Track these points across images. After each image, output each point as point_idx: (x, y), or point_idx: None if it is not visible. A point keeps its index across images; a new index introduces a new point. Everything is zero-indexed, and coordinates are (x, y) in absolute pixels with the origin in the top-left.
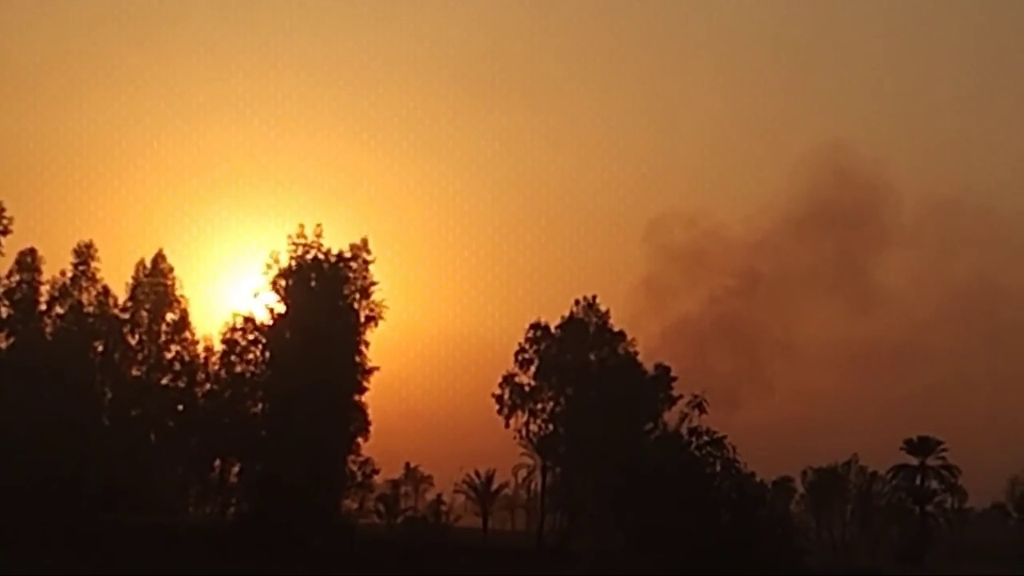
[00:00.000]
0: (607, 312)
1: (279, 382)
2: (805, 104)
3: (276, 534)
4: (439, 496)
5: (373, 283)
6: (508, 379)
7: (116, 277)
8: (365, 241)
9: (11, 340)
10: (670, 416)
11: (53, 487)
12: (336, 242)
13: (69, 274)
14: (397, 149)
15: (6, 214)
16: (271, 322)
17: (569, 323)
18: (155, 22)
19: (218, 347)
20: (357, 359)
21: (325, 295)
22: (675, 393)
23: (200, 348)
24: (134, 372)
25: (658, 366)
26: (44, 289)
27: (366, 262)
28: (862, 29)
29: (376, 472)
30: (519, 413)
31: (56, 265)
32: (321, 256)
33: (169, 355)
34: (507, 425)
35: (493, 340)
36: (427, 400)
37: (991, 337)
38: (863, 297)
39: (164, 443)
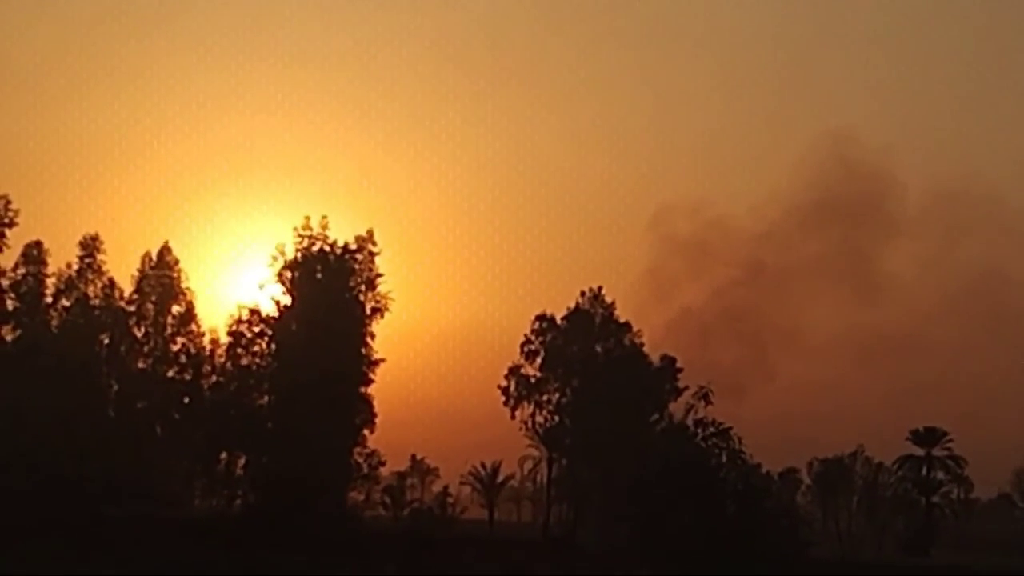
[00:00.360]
0: (613, 303)
1: (285, 374)
2: (809, 94)
3: (282, 526)
4: (445, 488)
5: (379, 275)
6: (514, 371)
7: (122, 269)
8: (371, 233)
9: (17, 333)
10: (676, 407)
11: (58, 480)
12: (342, 234)
13: (75, 267)
14: (402, 141)
15: (12, 207)
16: (277, 314)
17: (575, 314)
18: (159, 16)
19: (224, 339)
20: (363, 351)
21: (331, 287)
22: (681, 384)
23: (206, 340)
24: (140, 364)
25: (664, 357)
26: (50, 282)
27: (372, 254)
28: (867, 19)
29: (382, 464)
30: (525, 405)
31: (62, 258)
32: (327, 248)
33: (175, 347)
34: (513, 417)
35: (499, 332)
36: (433, 392)
37: (997, 327)
38: (869, 287)
39: (170, 435)
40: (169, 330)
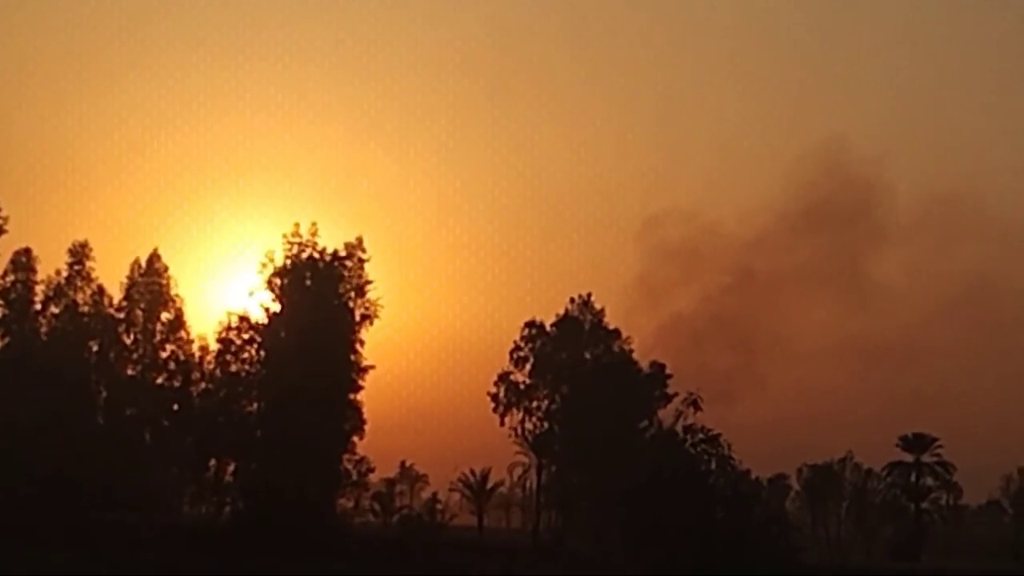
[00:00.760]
0: (602, 310)
1: (274, 381)
2: (801, 101)
3: (271, 533)
4: (434, 494)
5: (368, 282)
6: (503, 377)
7: (111, 276)
8: (360, 240)
9: (6, 340)
10: (665, 414)
11: (48, 486)
12: (331, 241)
13: (64, 274)
14: (392, 148)
15: (1, 214)
16: (266, 321)
17: (564, 321)
18: (147, 21)
19: (213, 346)
20: (352, 358)
21: (320, 294)
22: (670, 391)
23: (195, 347)
24: (129, 371)
25: (653, 364)
26: (39, 289)
27: (361, 261)
28: (859, 26)
29: (371, 471)
30: (514, 411)
31: (51, 265)
32: (316, 255)
33: (164, 354)
34: (502, 423)
35: (488, 338)
36: (422, 398)
37: (987, 334)
38: (859, 294)
39: (159, 442)
40: (158, 337)
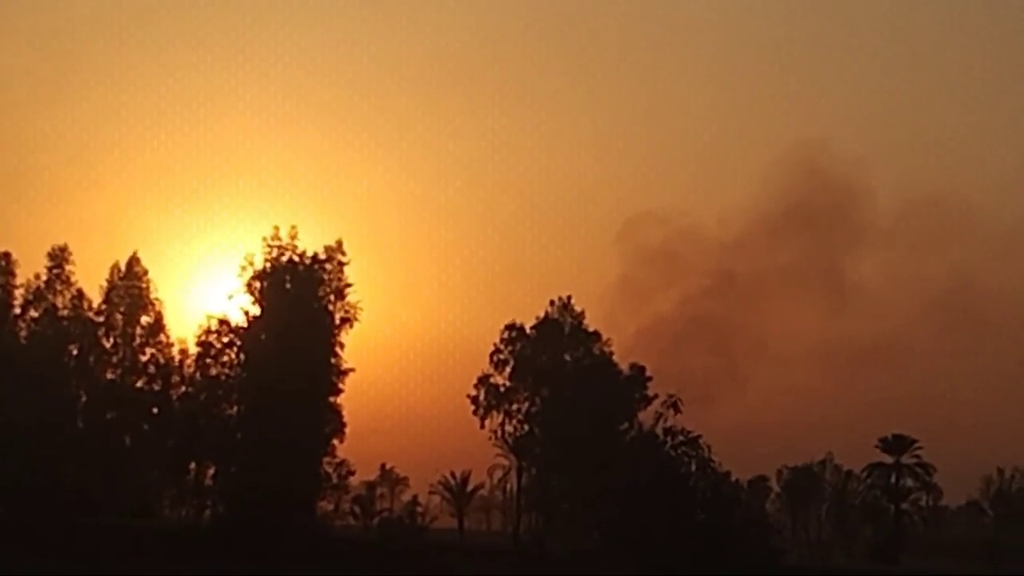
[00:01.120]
0: (582, 312)
1: (254, 384)
2: (781, 104)
3: (252, 536)
4: (415, 497)
5: (348, 285)
6: (483, 380)
7: (91, 280)
8: (340, 243)
9: None
10: (645, 416)
11: (28, 490)
12: (311, 244)
13: (43, 277)
14: (371, 151)
15: None
16: (246, 324)
17: (544, 324)
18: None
19: (193, 350)
20: (332, 361)
21: (300, 297)
22: (650, 393)
23: (175, 351)
24: (109, 375)
25: (633, 366)
26: (18, 292)
27: (341, 264)
28: (838, 28)
29: (352, 474)
30: (494, 414)
31: (30, 268)
32: (296, 258)
33: (144, 358)
34: (482, 426)
35: (468, 341)
36: (402, 401)
37: (966, 336)
38: (839, 296)
39: (139, 446)
40: (138, 341)
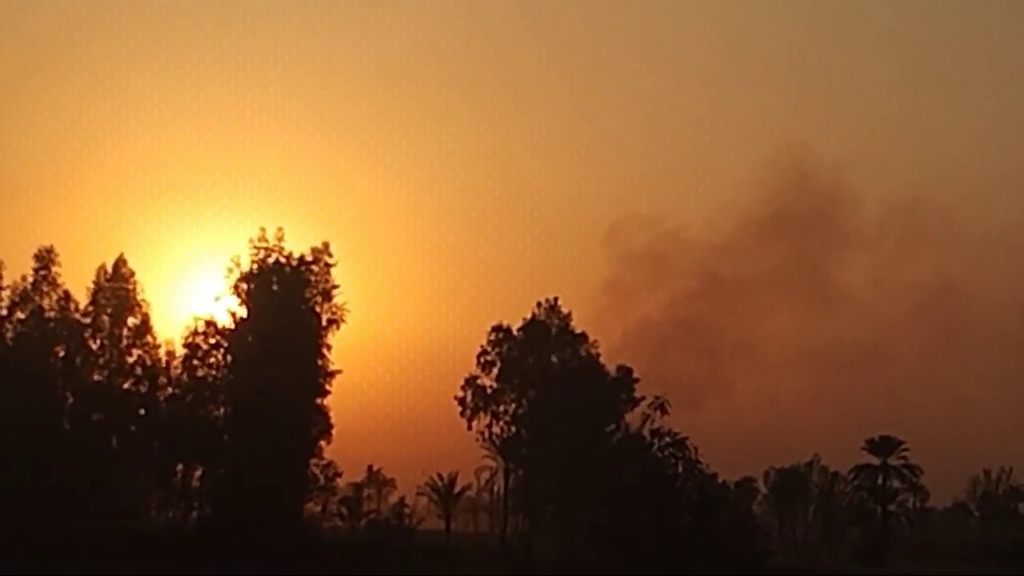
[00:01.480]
0: (569, 314)
1: (241, 386)
2: (766, 108)
3: (239, 538)
4: (402, 499)
5: (335, 286)
6: (470, 381)
7: (77, 282)
8: (327, 244)
9: None
10: (632, 418)
11: (15, 492)
12: (297, 245)
13: (30, 279)
14: (359, 153)
15: None
16: (233, 326)
17: (531, 325)
18: (112, 26)
19: (180, 351)
20: (319, 362)
21: (287, 299)
22: (637, 395)
23: (162, 352)
24: (96, 377)
25: (620, 368)
26: (5, 294)
27: (328, 265)
28: (823, 32)
29: (339, 475)
30: (481, 415)
31: (17, 270)
32: (283, 260)
33: (131, 359)
34: (469, 427)
35: (455, 342)
36: (389, 403)
37: (951, 338)
38: (824, 299)
39: (126, 448)
40: (125, 342)
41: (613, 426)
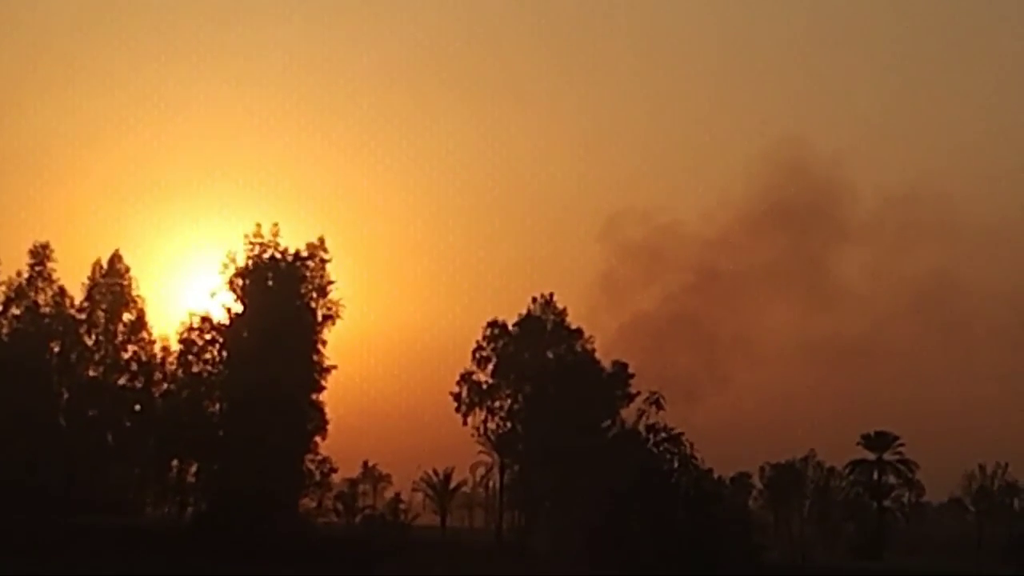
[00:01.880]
0: (564, 310)
1: (236, 382)
2: (763, 100)
3: (235, 534)
4: (397, 494)
5: (330, 282)
6: (466, 377)
7: (72, 278)
8: (322, 240)
9: None
10: (628, 413)
11: (9, 488)
12: (293, 241)
13: (25, 275)
14: (354, 148)
15: None
16: (228, 322)
17: (526, 321)
18: (107, 22)
19: (175, 347)
20: (314, 358)
21: (282, 294)
22: (633, 390)
23: (157, 348)
24: (91, 372)
25: (615, 363)
26: (0, 290)
27: (323, 261)
28: (818, 25)
29: (334, 471)
30: (477, 411)
31: (12, 266)
32: (278, 255)
33: (126, 355)
34: (465, 423)
35: (451, 338)
36: (385, 398)
37: (948, 332)
38: (820, 293)
39: (121, 443)
40: (120, 338)
41: (609, 422)
